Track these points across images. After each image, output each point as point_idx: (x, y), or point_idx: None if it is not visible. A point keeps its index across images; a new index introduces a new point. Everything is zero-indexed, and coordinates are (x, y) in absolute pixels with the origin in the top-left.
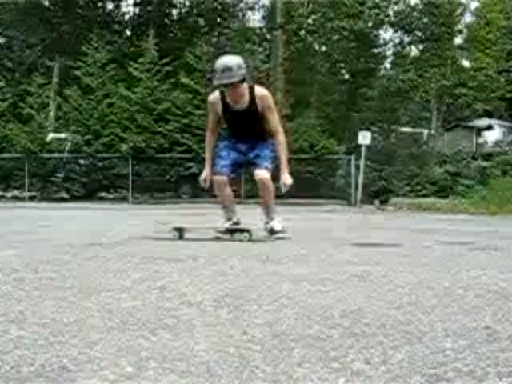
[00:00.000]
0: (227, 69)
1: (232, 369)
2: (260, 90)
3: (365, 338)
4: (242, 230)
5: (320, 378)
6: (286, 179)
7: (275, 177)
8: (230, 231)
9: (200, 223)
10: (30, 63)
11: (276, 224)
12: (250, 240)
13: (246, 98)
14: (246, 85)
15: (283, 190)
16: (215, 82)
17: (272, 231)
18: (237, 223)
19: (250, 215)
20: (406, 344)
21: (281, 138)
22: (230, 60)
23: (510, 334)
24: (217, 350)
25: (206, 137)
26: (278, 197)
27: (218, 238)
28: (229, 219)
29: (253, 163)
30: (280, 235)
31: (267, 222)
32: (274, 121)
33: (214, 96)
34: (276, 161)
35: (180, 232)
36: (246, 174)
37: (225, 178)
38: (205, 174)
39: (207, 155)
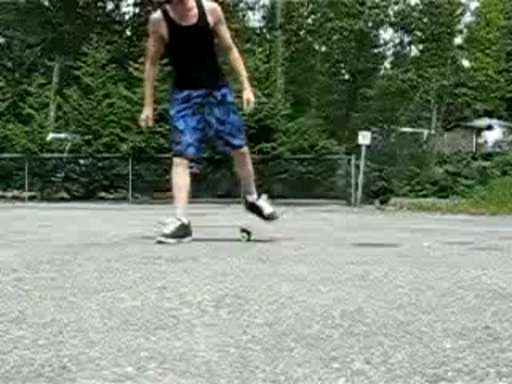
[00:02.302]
0: None
1: (232, 369)
2: (208, 2)
3: (365, 338)
4: (247, 231)
5: (320, 378)
6: (249, 97)
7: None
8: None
9: (200, 223)
10: (30, 63)
11: (265, 205)
12: (249, 240)
13: (195, 11)
14: None
15: (246, 108)
16: None
17: (268, 215)
18: (185, 230)
19: (249, 215)
20: (406, 344)
21: (235, 53)
22: None
23: (510, 333)
24: (217, 350)
25: (146, 69)
26: (277, 196)
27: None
28: (178, 219)
29: (222, 134)
30: (273, 221)
31: (249, 196)
32: (228, 35)
33: (156, 16)
34: (237, 105)
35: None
36: None
37: (186, 161)
38: (145, 113)
39: (147, 91)
